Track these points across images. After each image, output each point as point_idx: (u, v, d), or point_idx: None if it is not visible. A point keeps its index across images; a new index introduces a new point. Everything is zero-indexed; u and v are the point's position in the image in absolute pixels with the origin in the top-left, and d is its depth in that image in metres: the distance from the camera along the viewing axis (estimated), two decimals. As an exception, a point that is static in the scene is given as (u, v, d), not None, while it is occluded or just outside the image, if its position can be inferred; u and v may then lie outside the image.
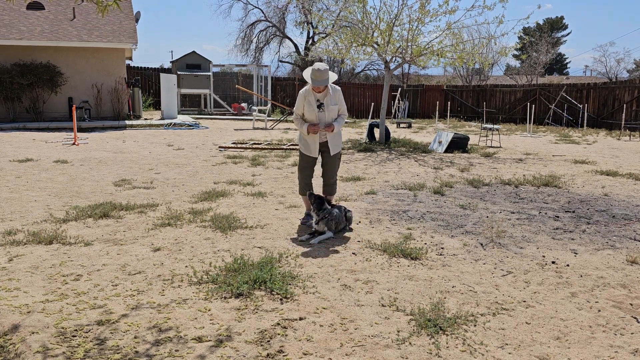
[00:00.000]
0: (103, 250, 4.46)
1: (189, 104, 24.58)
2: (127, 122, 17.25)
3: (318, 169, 5.48)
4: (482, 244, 4.79)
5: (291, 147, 11.94)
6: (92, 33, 18.04)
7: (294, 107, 5.32)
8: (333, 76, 5.14)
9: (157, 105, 23.85)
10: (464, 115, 26.47)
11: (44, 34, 17.28)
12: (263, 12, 32.60)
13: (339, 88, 5.31)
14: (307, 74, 5.10)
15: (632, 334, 3.11)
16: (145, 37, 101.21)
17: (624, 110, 19.15)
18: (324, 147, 5.36)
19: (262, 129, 17.81)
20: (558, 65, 55.91)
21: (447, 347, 2.88)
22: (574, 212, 6.20)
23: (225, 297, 3.48)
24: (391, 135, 13.95)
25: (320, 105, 5.17)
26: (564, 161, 10.83)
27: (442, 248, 4.67)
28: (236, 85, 23.00)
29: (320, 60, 31.27)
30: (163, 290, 3.62)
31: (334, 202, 5.62)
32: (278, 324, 3.13)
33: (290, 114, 20.15)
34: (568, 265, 4.28)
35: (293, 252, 4.47)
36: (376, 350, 2.85)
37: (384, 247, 4.56)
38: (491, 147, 13.49)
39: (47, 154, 10.47)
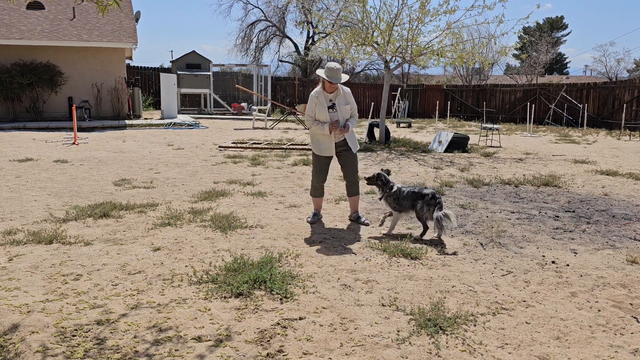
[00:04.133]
0: (103, 249, 4.46)
1: (189, 103, 24.57)
2: (127, 121, 17.24)
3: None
4: (482, 244, 4.79)
5: (291, 147, 11.94)
6: (92, 33, 18.04)
7: (306, 110, 5.38)
8: (345, 77, 5.24)
9: (157, 105, 23.85)
10: (463, 115, 26.46)
11: (44, 34, 17.27)
12: (263, 12, 32.61)
13: (349, 90, 5.41)
14: (321, 72, 5.19)
15: (632, 333, 3.11)
16: (145, 37, 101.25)
17: (624, 110, 19.14)
18: (342, 147, 5.42)
19: (262, 128, 17.81)
20: (558, 65, 55.87)
21: (447, 347, 2.88)
22: (574, 211, 6.20)
23: (225, 297, 3.48)
24: (391, 135, 13.95)
25: (332, 106, 5.25)
26: (564, 161, 10.83)
27: (442, 248, 4.67)
28: (236, 85, 22.98)
29: (320, 60, 31.27)
30: (163, 290, 3.62)
31: (358, 210, 5.62)
32: (278, 323, 3.13)
33: (290, 113, 20.14)
34: (568, 265, 4.28)
35: (293, 251, 4.47)
36: (376, 350, 2.85)
37: (384, 246, 4.56)
38: (491, 146, 13.49)
39: (47, 153, 10.46)
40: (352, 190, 5.51)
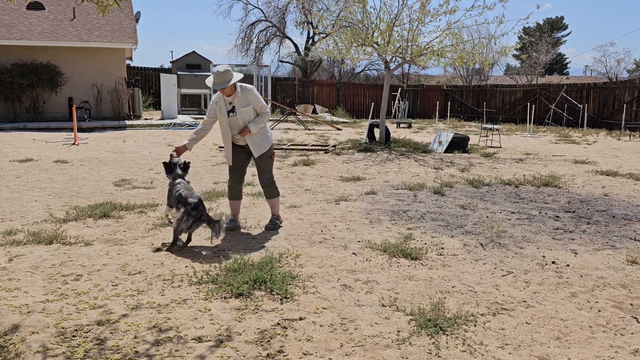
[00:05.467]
0: (103, 250, 4.46)
1: (189, 104, 24.56)
2: (127, 122, 17.25)
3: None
4: (482, 244, 4.79)
5: (291, 147, 11.94)
6: (92, 33, 18.04)
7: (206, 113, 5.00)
8: (238, 76, 4.80)
9: (157, 105, 23.85)
10: (464, 115, 26.46)
11: (44, 34, 17.28)
12: (263, 12, 32.60)
13: (251, 87, 5.00)
14: (208, 79, 4.84)
15: (632, 334, 3.11)
16: (145, 37, 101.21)
17: (624, 110, 19.14)
18: (248, 150, 5.11)
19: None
20: (558, 65, 55.87)
21: (447, 347, 2.88)
22: (574, 212, 6.20)
23: (225, 297, 3.48)
24: (391, 135, 13.95)
25: (232, 110, 4.91)
26: (564, 161, 10.83)
27: (442, 248, 4.67)
28: (236, 85, 22.94)
29: (320, 61, 31.29)
30: (163, 290, 3.62)
31: (280, 212, 5.36)
32: (278, 324, 3.13)
33: (290, 114, 20.15)
34: (568, 265, 4.28)
35: (293, 252, 4.47)
36: (376, 350, 2.85)
37: (384, 247, 4.56)
38: (491, 147, 13.49)
39: (47, 154, 10.46)
40: (265, 193, 5.24)
